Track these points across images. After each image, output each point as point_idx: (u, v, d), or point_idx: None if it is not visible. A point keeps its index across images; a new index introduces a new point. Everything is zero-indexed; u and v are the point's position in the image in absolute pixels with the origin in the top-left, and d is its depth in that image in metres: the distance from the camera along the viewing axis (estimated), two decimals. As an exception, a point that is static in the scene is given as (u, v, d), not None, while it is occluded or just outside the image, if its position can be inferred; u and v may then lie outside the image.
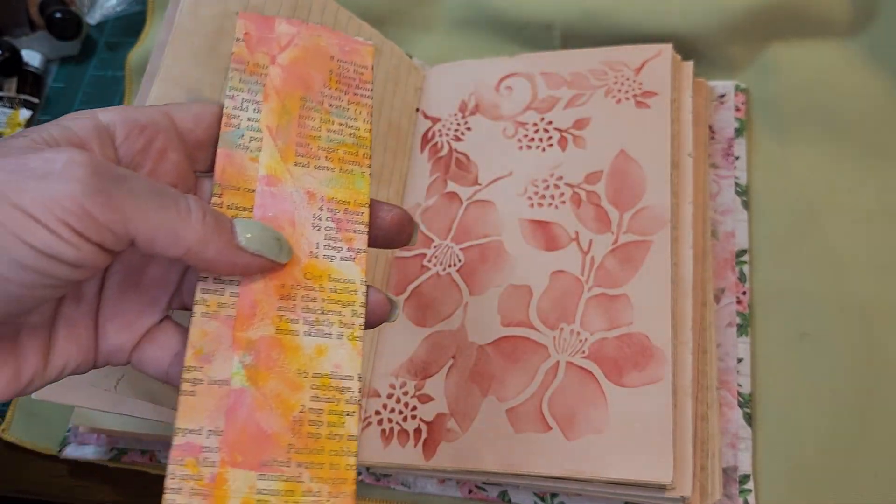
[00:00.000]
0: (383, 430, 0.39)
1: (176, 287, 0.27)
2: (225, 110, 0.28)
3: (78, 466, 0.43)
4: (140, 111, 0.26)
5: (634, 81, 0.43)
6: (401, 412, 0.39)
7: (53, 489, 0.43)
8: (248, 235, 0.25)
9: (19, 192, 0.20)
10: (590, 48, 0.46)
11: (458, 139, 0.45)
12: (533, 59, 0.46)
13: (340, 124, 0.29)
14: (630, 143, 0.42)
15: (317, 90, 0.29)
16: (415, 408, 0.39)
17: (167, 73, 0.36)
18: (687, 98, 0.43)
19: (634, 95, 0.43)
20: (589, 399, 0.37)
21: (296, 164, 0.28)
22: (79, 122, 0.24)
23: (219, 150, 0.27)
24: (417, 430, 0.38)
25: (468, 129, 0.45)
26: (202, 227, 0.24)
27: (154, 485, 0.42)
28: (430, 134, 0.46)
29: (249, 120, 0.28)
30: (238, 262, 0.25)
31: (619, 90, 0.43)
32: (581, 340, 0.38)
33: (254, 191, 0.27)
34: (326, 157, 0.28)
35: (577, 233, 0.40)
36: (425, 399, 0.39)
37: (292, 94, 0.29)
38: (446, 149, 0.45)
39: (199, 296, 0.25)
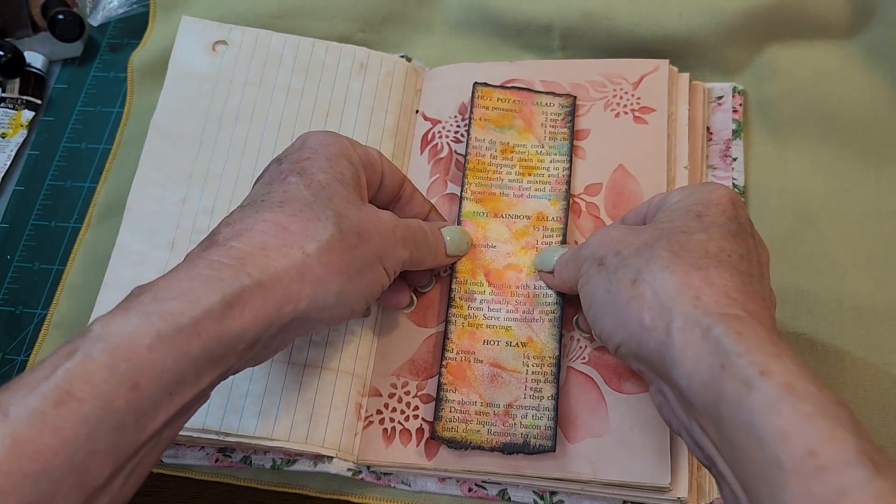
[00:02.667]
0: (385, 430, 0.39)
1: None
2: None
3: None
4: (368, 152, 0.37)
5: (633, 96, 0.44)
6: (402, 412, 0.39)
7: (56, 488, 0.43)
8: (448, 238, 0.39)
9: (386, 257, 0.34)
10: (589, 59, 0.47)
11: (457, 141, 0.46)
12: (532, 66, 0.47)
13: None
14: (628, 158, 0.42)
15: None
16: (416, 407, 0.39)
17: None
18: (683, 110, 0.44)
19: (633, 110, 0.43)
20: (590, 404, 0.37)
21: None
22: (345, 164, 0.35)
23: None
24: (420, 430, 0.39)
25: (468, 131, 0.46)
26: (435, 254, 0.38)
27: (154, 484, 0.42)
28: (429, 135, 0.47)
29: None
30: (443, 263, 0.40)
31: (618, 104, 0.44)
32: (581, 347, 0.39)
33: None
34: None
35: (576, 242, 0.41)
36: (427, 399, 0.39)
37: None
38: (446, 150, 0.46)
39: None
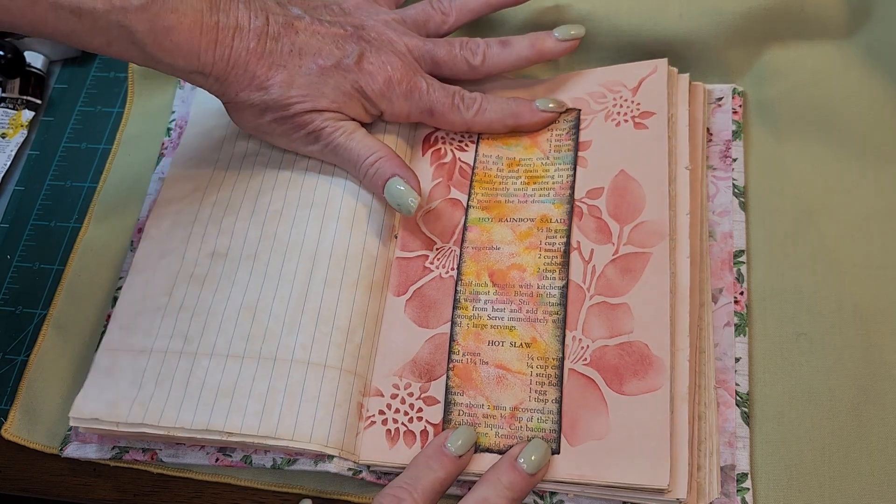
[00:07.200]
0: (388, 430, 0.39)
1: None
2: None
3: (79, 465, 0.43)
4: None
5: (632, 102, 0.44)
6: (406, 413, 0.39)
7: (55, 488, 0.43)
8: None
9: None
10: (588, 70, 0.47)
11: (462, 150, 0.46)
12: (534, 85, 0.47)
13: None
14: (629, 164, 0.43)
15: None
16: (420, 409, 0.39)
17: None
18: (683, 111, 0.44)
19: (633, 117, 0.44)
20: (591, 406, 0.37)
21: None
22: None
23: None
24: (424, 432, 0.39)
25: (472, 142, 0.46)
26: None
27: (154, 484, 0.42)
28: (432, 138, 0.47)
29: None
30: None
31: (619, 113, 0.44)
32: (583, 347, 0.39)
33: None
34: None
35: (578, 242, 0.41)
36: (431, 401, 0.39)
37: None
38: (450, 156, 0.46)
39: None
